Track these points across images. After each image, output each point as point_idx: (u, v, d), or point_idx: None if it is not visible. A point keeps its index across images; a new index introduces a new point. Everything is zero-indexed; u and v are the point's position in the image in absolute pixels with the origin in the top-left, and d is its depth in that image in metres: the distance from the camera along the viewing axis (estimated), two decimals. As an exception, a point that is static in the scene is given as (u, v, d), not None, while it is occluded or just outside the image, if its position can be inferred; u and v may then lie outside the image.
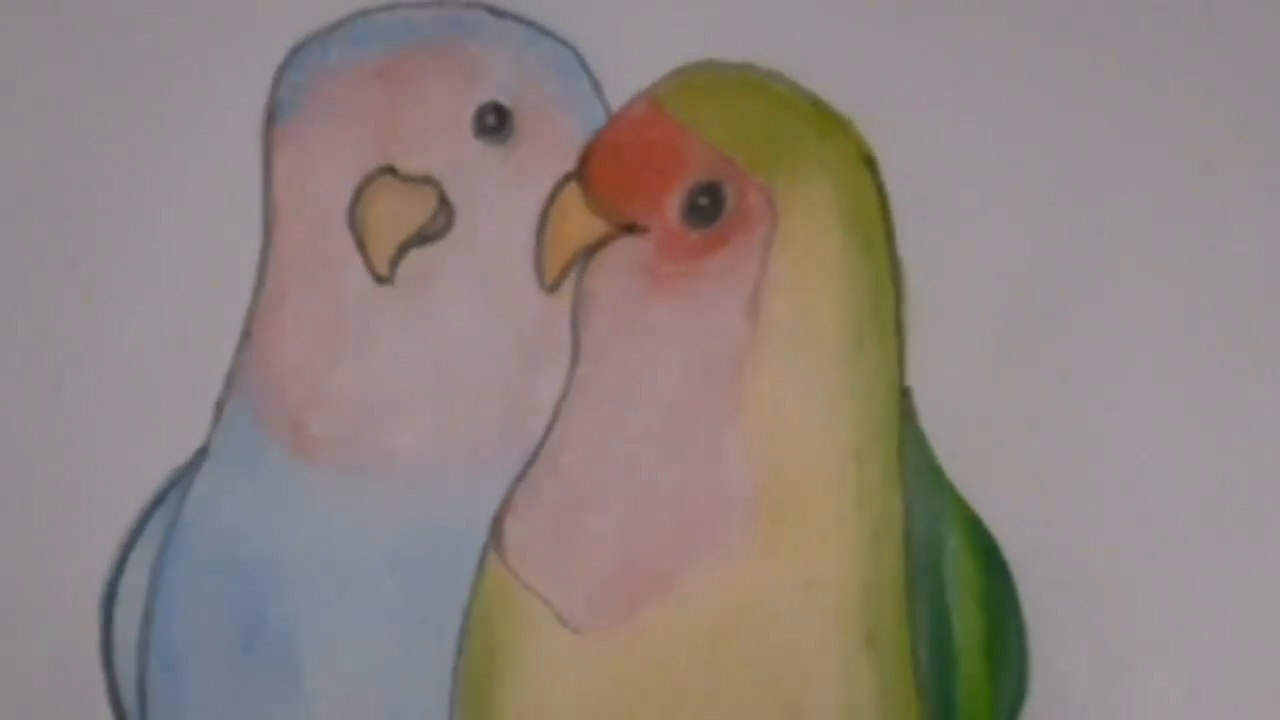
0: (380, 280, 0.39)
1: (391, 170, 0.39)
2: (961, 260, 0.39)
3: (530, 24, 0.40)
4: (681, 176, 0.39)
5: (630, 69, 0.38)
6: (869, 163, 0.39)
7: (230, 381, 0.40)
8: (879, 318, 0.39)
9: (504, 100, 0.39)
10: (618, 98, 0.39)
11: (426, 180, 0.40)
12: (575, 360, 0.39)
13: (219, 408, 0.40)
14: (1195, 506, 0.39)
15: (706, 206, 0.39)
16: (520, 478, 0.39)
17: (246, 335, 0.40)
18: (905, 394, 0.39)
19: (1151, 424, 0.39)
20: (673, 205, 0.39)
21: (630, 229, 0.39)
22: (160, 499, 0.40)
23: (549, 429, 0.39)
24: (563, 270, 0.39)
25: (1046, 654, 0.39)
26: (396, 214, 0.39)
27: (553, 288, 0.39)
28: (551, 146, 0.39)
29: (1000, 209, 0.39)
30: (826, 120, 0.39)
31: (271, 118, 0.40)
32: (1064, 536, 0.39)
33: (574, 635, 0.38)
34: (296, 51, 0.40)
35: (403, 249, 0.39)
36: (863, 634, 0.38)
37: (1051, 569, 0.39)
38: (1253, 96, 0.39)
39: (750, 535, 0.38)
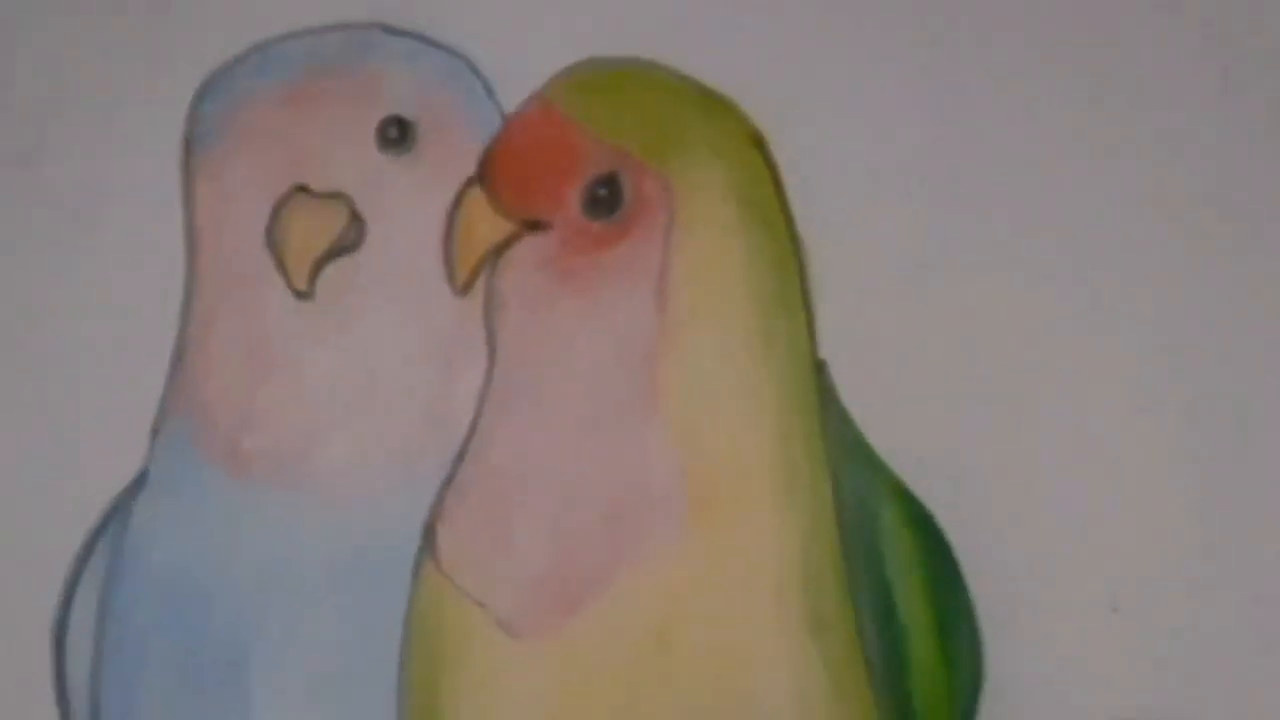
0: (300, 296, 0.38)
1: (304, 189, 0.38)
2: (858, 231, 0.37)
3: (423, 38, 0.39)
4: (579, 171, 0.37)
5: (520, 72, 0.37)
6: (759, 144, 0.37)
7: (164, 406, 0.39)
8: (786, 295, 0.37)
9: (404, 113, 0.38)
10: (511, 101, 0.38)
11: (337, 196, 0.38)
12: (492, 360, 0.38)
13: (155, 432, 0.39)
14: (1129, 459, 0.37)
15: (606, 198, 0.37)
16: (448, 482, 0.38)
17: (177, 359, 0.39)
18: (821, 368, 0.38)
19: (1071, 375, 0.37)
20: (573, 199, 0.37)
21: (535, 226, 0.37)
22: (103, 527, 0.39)
23: (471, 431, 0.38)
24: (472, 272, 0.38)
25: (999, 632, 0.37)
26: (311, 230, 0.38)
27: (464, 290, 0.38)
28: (453, 153, 0.38)
29: (891, 178, 0.37)
30: (713, 105, 0.37)
31: (189, 148, 0.39)
32: (998, 503, 0.37)
33: (514, 640, 0.37)
34: (207, 83, 0.39)
35: (319, 264, 0.38)
36: (807, 619, 0.36)
37: (991, 539, 0.37)
38: (1119, 58, 0.37)
39: (683, 527, 0.37)
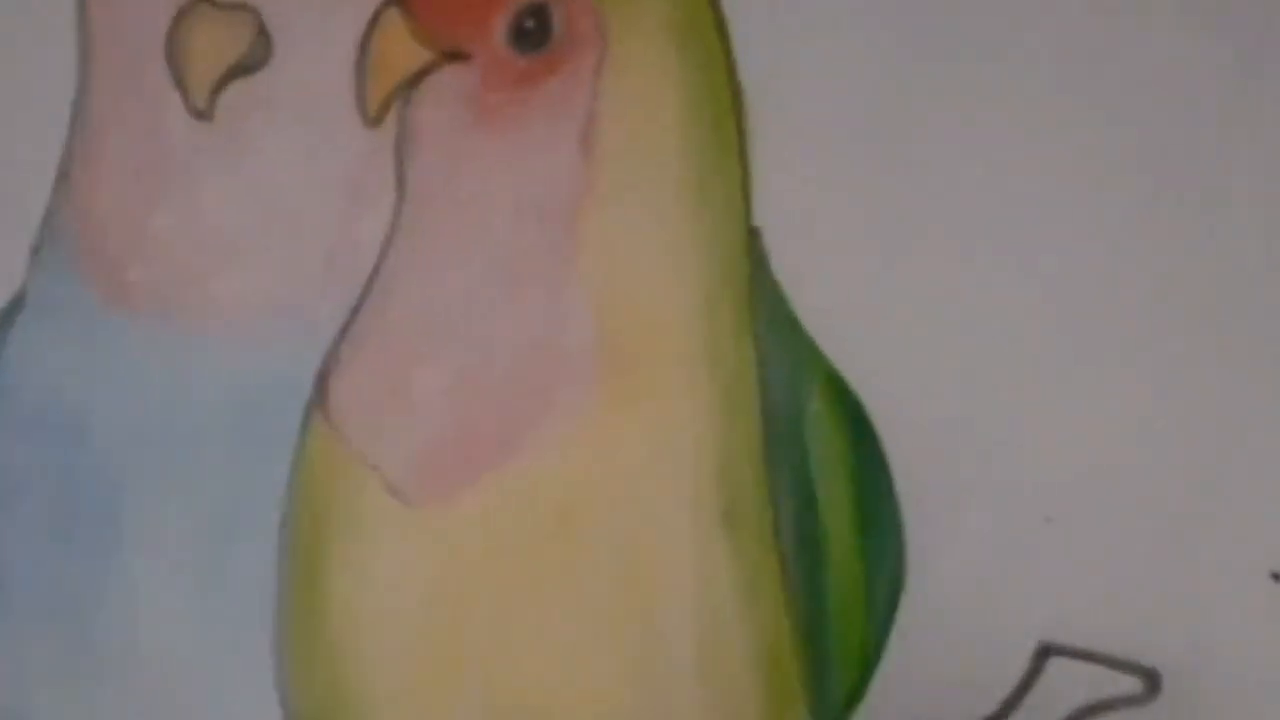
0: (199, 116, 0.35)
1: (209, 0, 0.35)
2: (806, 84, 0.33)
3: None
4: (507, -2, 0.33)
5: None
6: (704, -22, 0.33)
7: (46, 223, 0.36)
8: (722, 149, 0.34)
9: (322, -80, 0.34)
10: (437, -87, 0.34)
11: (243, 7, 0.35)
12: (400, 200, 0.34)
13: (35, 251, 0.36)
14: (1074, 359, 0.33)
15: (533, 30, 0.33)
16: (344, 329, 0.34)
17: (63, 176, 0.36)
18: (754, 235, 0.34)
19: (1022, 267, 0.33)
20: (498, 29, 0.33)
21: (455, 56, 0.34)
22: (-25, 350, 0.36)
23: (373, 276, 0.34)
24: (385, 102, 0.34)
25: (921, 539, 0.33)
26: (214, 44, 0.34)
27: (375, 121, 0.34)
28: (372, -32, 0.34)
29: (845, 24, 0.33)
30: (654, -68, 0.34)
31: (86, -57, 0.35)
32: (933, 393, 0.34)
33: (405, 507, 0.33)
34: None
35: (222, 81, 0.35)
36: (718, 510, 0.33)
37: (922, 437, 0.33)
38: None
39: (593, 397, 0.33)
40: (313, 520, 0.35)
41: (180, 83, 0.35)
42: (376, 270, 0.34)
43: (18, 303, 0.36)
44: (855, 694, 0.34)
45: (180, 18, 0.34)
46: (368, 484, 0.34)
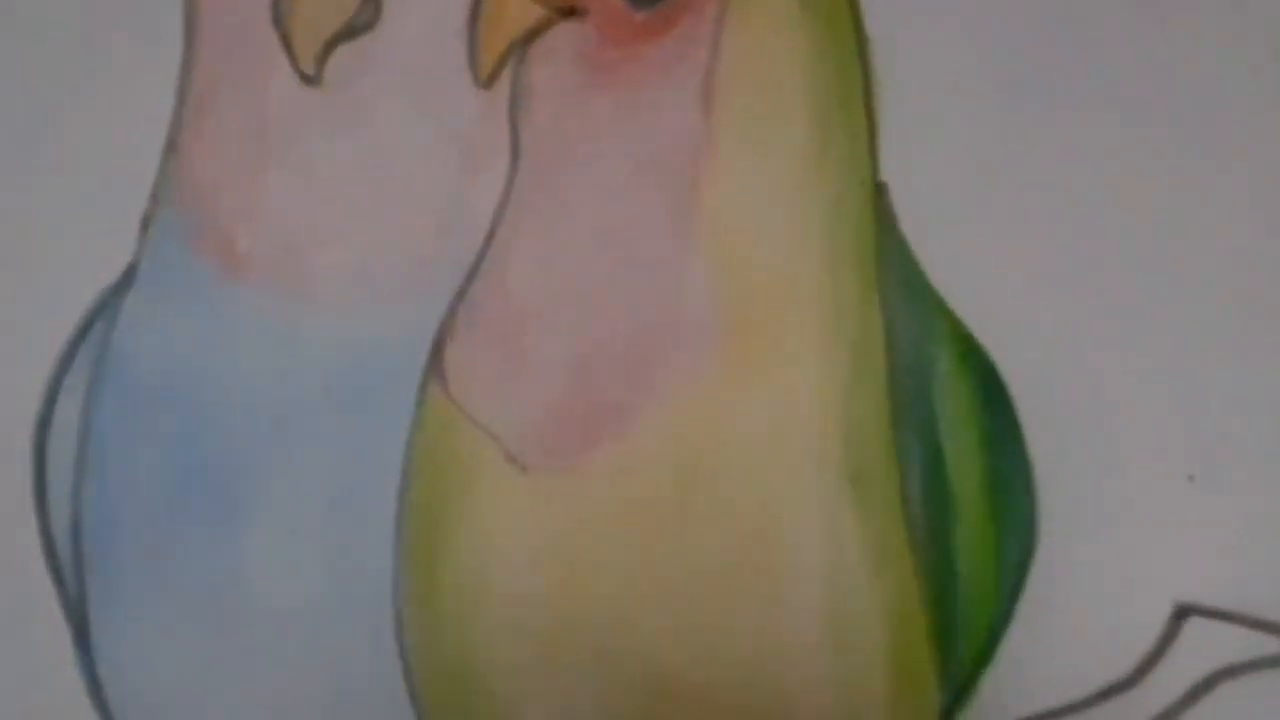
0: (307, 81, 0.33)
1: (315, -40, 0.33)
2: (936, 36, 0.31)
3: None
4: (624, -49, 0.32)
5: None
6: (830, -74, 0.32)
7: (156, 195, 0.35)
8: (847, 103, 0.32)
9: (430, -124, 0.33)
10: None
11: (350, -32, 0.33)
12: (514, 164, 0.33)
13: (145, 224, 0.35)
14: (1219, 317, 0.32)
15: (652, -16, 0.32)
16: (460, 296, 0.33)
17: (171, 146, 0.34)
18: (881, 191, 0.32)
19: (1163, 225, 0.31)
20: (615, -16, 0.32)
21: (570, 13, 0.32)
22: (88, 325, 0.35)
23: (488, 241, 0.33)
24: (498, 62, 0.32)
25: (1054, 500, 0.32)
26: (321, 6, 0.33)
27: (488, 83, 0.33)
28: (483, -76, 0.33)
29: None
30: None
31: (192, -88, 0.34)
32: (1067, 352, 0.32)
33: (525, 474, 0.32)
34: None
35: (329, 45, 0.33)
36: (845, 474, 0.32)
37: (1056, 397, 0.32)
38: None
39: (715, 361, 0.32)
40: (431, 488, 0.34)
41: (287, 47, 0.33)
42: (491, 236, 0.33)
43: (130, 274, 0.35)
44: (985, 658, 0.33)
45: (286, -20, 0.33)
46: (486, 451, 0.33)
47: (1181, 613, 0.32)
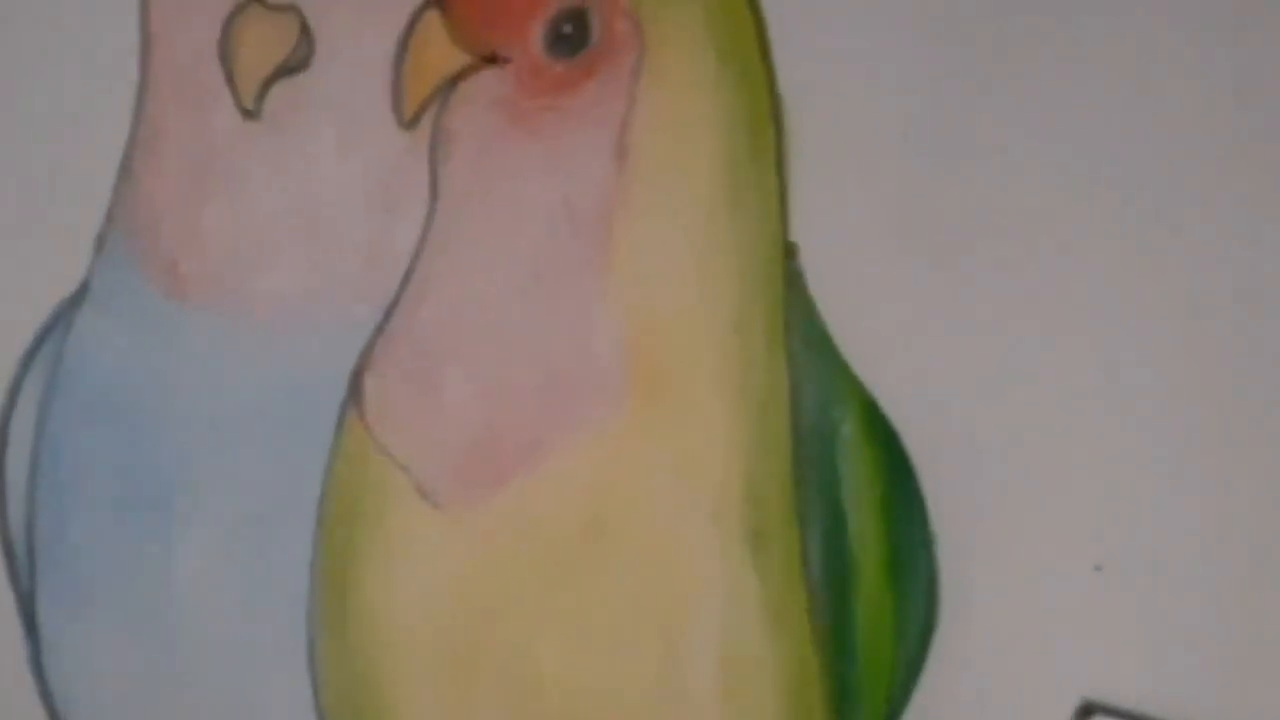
0: (247, 114, 0.33)
1: (260, 0, 0.33)
2: (846, 97, 0.29)
3: None
4: (545, 2, 0.31)
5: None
6: (743, -14, 0.30)
7: (110, 216, 0.35)
8: (759, 161, 0.30)
9: (365, -80, 0.32)
10: (474, -85, 0.31)
11: (290, 8, 0.33)
12: (433, 203, 0.32)
13: (98, 243, 0.35)
14: (1130, 397, 0.29)
15: (571, 35, 0.31)
16: (380, 329, 0.33)
17: (125, 170, 0.35)
18: (790, 251, 0.31)
19: (1064, 281, 0.29)
20: (536, 33, 0.31)
21: (492, 60, 0.31)
22: (44, 335, 0.36)
23: (407, 278, 0.32)
24: (421, 105, 0.32)
25: (957, 576, 0.30)
26: (261, 46, 0.33)
27: (410, 124, 0.32)
28: (413, -32, 0.32)
29: (889, 37, 0.29)
30: (694, -60, 0.30)
31: (146, -51, 0.34)
32: (974, 424, 0.30)
33: (433, 509, 0.31)
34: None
35: (268, 81, 0.33)
36: (746, 534, 0.30)
37: (962, 471, 0.30)
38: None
39: (621, 410, 0.31)
40: (344, 516, 0.33)
41: (230, 82, 0.33)
42: (410, 271, 0.32)
43: (83, 291, 0.35)
44: (883, 731, 0.31)
45: (232, 18, 0.33)
46: (397, 483, 0.32)
47: (1087, 710, 0.30)
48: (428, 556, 0.32)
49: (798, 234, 0.30)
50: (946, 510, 0.30)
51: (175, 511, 0.34)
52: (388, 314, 0.33)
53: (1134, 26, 0.28)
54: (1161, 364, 0.29)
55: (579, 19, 0.31)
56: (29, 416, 0.36)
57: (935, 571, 0.31)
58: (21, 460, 0.36)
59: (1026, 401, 0.30)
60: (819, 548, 0.31)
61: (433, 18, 0.31)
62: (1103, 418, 0.30)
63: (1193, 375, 0.29)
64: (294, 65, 0.33)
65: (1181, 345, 0.29)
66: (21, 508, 0.36)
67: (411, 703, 0.33)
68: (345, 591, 0.33)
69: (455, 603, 0.32)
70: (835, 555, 0.31)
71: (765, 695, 0.31)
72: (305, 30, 0.33)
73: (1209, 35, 0.28)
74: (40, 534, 0.36)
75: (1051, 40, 0.28)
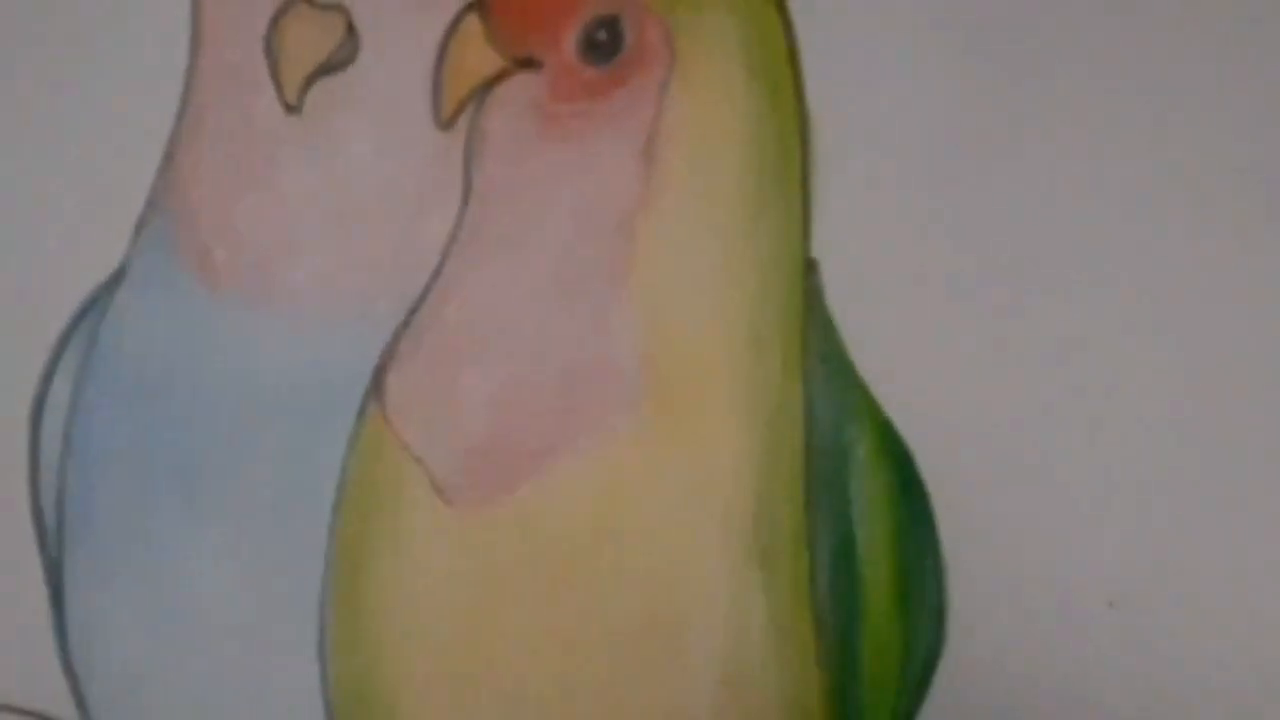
0: (289, 110, 0.33)
1: (307, -1, 0.33)
2: (876, 117, 0.28)
3: None
4: (580, 9, 0.30)
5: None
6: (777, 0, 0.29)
7: (150, 201, 0.35)
8: (784, 176, 0.30)
9: (411, -76, 0.32)
10: (518, -78, 0.31)
11: (336, 7, 0.33)
12: (465, 203, 0.32)
13: (138, 228, 0.35)
14: (1151, 431, 0.28)
15: (604, 42, 0.30)
16: (404, 324, 0.32)
17: (168, 158, 0.34)
18: (811, 268, 0.30)
19: (1094, 306, 0.28)
20: (570, 39, 0.30)
21: (528, 64, 0.31)
22: (83, 314, 0.35)
23: (434, 275, 0.32)
24: (458, 106, 0.31)
25: (966, 604, 0.28)
26: (307, 42, 0.33)
27: (447, 124, 0.31)
28: (457, -29, 0.32)
29: (917, 56, 0.28)
30: (730, -50, 0.30)
31: (204, -58, 0.34)
32: (991, 451, 0.29)
33: (447, 506, 0.31)
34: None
35: (311, 79, 0.33)
36: (754, 551, 0.29)
37: (975, 498, 0.28)
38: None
39: (636, 419, 0.30)
40: (359, 507, 0.33)
41: (274, 77, 0.33)
42: (437, 270, 0.32)
43: (121, 273, 0.35)
44: (884, 756, 0.30)
45: (279, 15, 0.33)
46: (414, 478, 0.32)
47: (1095, 742, 0.29)
48: (439, 552, 0.32)
49: (818, 250, 0.29)
50: (958, 536, 0.29)
51: (196, 494, 0.34)
52: (412, 310, 0.32)
53: (1167, 40, 0.27)
54: (1186, 396, 0.28)
55: (613, 26, 0.30)
56: (64, 393, 0.36)
57: (944, 598, 0.29)
58: (55, 434, 0.36)
59: (1044, 430, 0.29)
60: (827, 568, 0.30)
61: (472, 21, 0.31)
62: (1122, 451, 0.28)
63: (1218, 408, 0.28)
64: (337, 63, 0.33)
65: (1208, 375, 0.28)
66: (53, 480, 0.36)
67: (416, 692, 0.32)
68: (357, 581, 0.33)
69: (463, 599, 0.31)
70: (844, 576, 0.30)
71: (768, 713, 0.30)
72: (350, 29, 0.33)
73: (1241, 41, 0.26)
74: (68, 507, 0.36)
75: (1082, 57, 0.27)
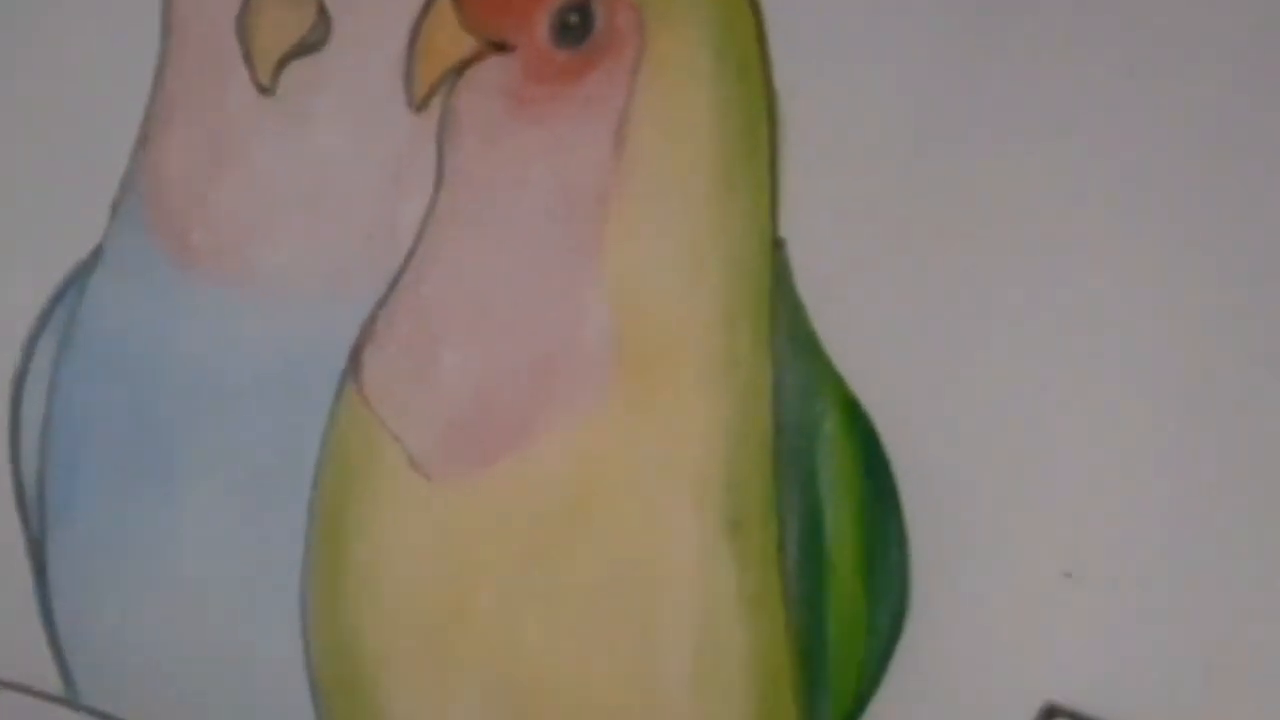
0: (262, 91, 0.32)
1: (279, -22, 0.32)
2: (842, 97, 0.28)
3: None
4: (551, -8, 0.30)
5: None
6: (746, -17, 0.29)
7: (125, 184, 0.34)
8: (752, 155, 0.29)
9: (383, -95, 0.32)
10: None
11: (307, -12, 0.32)
12: (438, 184, 0.31)
13: (114, 209, 0.34)
14: (1112, 404, 0.28)
15: (575, 25, 0.30)
16: (381, 304, 0.32)
17: (142, 140, 0.34)
18: (778, 247, 0.30)
19: (1054, 286, 0.28)
20: (542, 23, 0.30)
21: (500, 48, 0.30)
22: (61, 294, 0.35)
23: (410, 255, 0.32)
24: (430, 88, 0.31)
25: (928, 575, 0.28)
26: (279, 24, 0.32)
27: (420, 106, 0.31)
28: (428, -45, 0.31)
29: (886, 40, 0.28)
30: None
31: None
32: (953, 426, 0.29)
33: (424, 481, 0.31)
34: None
35: (284, 59, 0.32)
36: (725, 523, 0.29)
37: (937, 472, 0.28)
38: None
39: (608, 394, 0.30)
40: (339, 483, 0.32)
41: (247, 58, 0.33)
42: (413, 249, 0.32)
43: (98, 254, 0.35)
44: (847, 721, 0.30)
45: (252, -4, 0.33)
46: (391, 454, 0.32)
47: (1050, 713, 0.29)
48: (416, 526, 0.32)
49: (786, 229, 0.29)
50: (921, 509, 0.29)
51: (177, 471, 0.34)
52: (389, 288, 0.32)
53: (1137, 21, 0.27)
54: (1145, 371, 0.28)
55: (584, 10, 0.30)
56: (44, 372, 0.36)
57: (907, 569, 0.30)
58: (35, 413, 0.36)
59: (1007, 406, 0.29)
60: (795, 540, 0.30)
61: (444, 4, 0.31)
62: (1082, 424, 0.28)
63: (1174, 384, 0.28)
64: (310, 45, 0.32)
65: (1165, 352, 0.28)
66: (34, 459, 0.36)
67: (395, 666, 0.32)
68: (337, 555, 0.32)
69: (440, 572, 0.31)
70: (811, 548, 0.30)
71: (737, 681, 0.30)
72: (322, 11, 0.32)
73: (1217, 30, 0.26)
74: (49, 484, 0.35)
75: (1050, 35, 0.27)
